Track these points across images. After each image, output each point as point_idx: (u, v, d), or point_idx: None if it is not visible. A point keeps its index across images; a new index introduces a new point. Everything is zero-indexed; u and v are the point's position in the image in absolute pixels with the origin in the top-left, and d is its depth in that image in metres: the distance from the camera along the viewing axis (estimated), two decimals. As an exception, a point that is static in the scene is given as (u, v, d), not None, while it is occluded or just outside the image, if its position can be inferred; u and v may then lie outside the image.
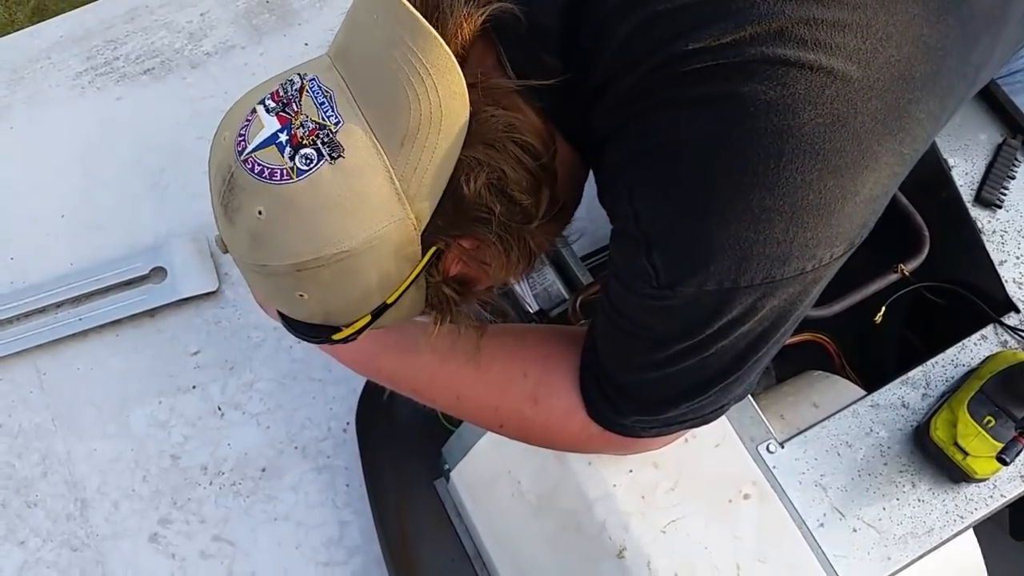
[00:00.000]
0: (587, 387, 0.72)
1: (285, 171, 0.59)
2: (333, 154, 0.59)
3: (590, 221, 1.39)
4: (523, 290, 1.01)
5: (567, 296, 1.01)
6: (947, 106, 0.64)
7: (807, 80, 0.55)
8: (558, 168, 0.66)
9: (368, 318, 0.67)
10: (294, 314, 0.69)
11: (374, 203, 0.60)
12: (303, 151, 0.59)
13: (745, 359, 0.65)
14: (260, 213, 0.60)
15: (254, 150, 0.60)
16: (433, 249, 0.64)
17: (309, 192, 0.59)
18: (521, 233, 0.66)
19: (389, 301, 0.65)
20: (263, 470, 1.23)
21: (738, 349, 0.64)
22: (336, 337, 0.69)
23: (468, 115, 0.60)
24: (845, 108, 0.56)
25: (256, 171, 0.60)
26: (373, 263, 0.62)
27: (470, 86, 0.60)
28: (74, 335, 1.30)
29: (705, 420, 0.72)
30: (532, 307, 1.00)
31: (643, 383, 0.69)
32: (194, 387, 1.28)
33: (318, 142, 0.59)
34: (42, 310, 1.32)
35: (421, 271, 0.64)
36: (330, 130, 0.59)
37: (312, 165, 0.59)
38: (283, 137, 0.60)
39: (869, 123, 0.57)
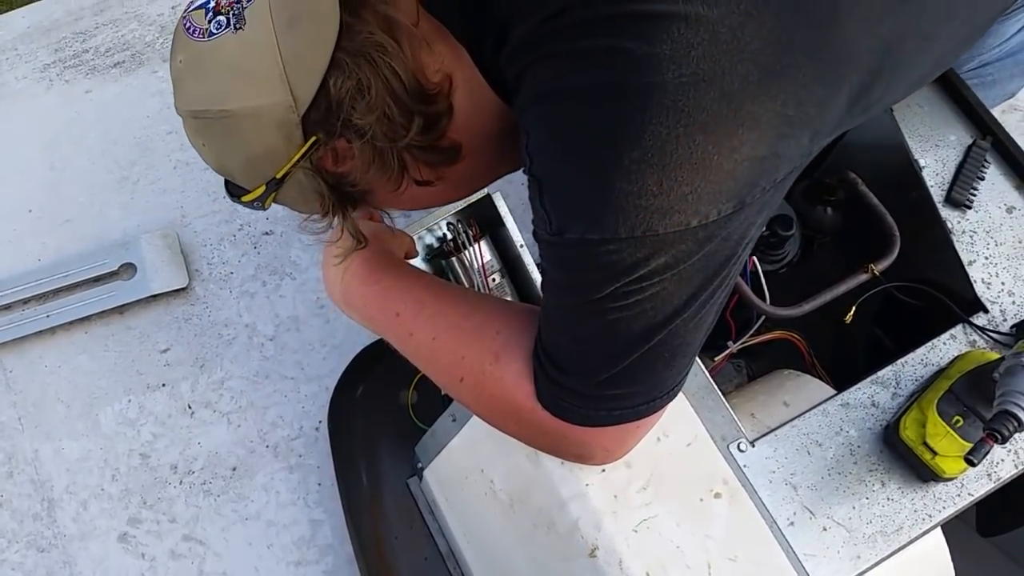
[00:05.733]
0: (535, 355, 0.74)
1: (201, 31, 0.69)
2: (238, 25, 0.68)
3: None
4: None
5: None
6: (845, 75, 0.65)
7: (673, 39, 0.58)
8: (457, 106, 0.74)
9: (263, 188, 0.75)
10: (205, 161, 0.77)
11: (259, 76, 0.68)
12: (218, 17, 0.69)
13: (655, 331, 0.66)
14: (180, 62, 0.71)
15: (192, 10, 0.71)
16: (313, 139, 0.71)
17: (212, 53, 0.69)
18: (387, 151, 0.73)
19: (278, 176, 0.74)
20: (234, 469, 1.22)
21: (646, 317, 0.65)
22: (244, 199, 0.77)
23: (338, 18, 0.67)
24: (711, 68, 0.58)
25: (186, 27, 0.71)
26: (255, 132, 0.70)
27: (360, 5, 0.68)
28: (42, 332, 1.28)
29: (637, 412, 0.71)
30: None
31: (560, 347, 0.70)
32: (164, 385, 1.27)
33: (231, 12, 0.69)
34: (8, 307, 1.30)
35: (303, 155, 0.72)
36: (242, 4, 0.69)
37: (220, 30, 0.69)
38: (211, 4, 0.70)
39: (739, 84, 0.59)
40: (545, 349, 0.71)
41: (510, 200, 1.03)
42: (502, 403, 0.76)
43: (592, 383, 0.69)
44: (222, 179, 0.77)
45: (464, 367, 0.77)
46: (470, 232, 1.04)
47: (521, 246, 1.03)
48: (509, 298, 1.05)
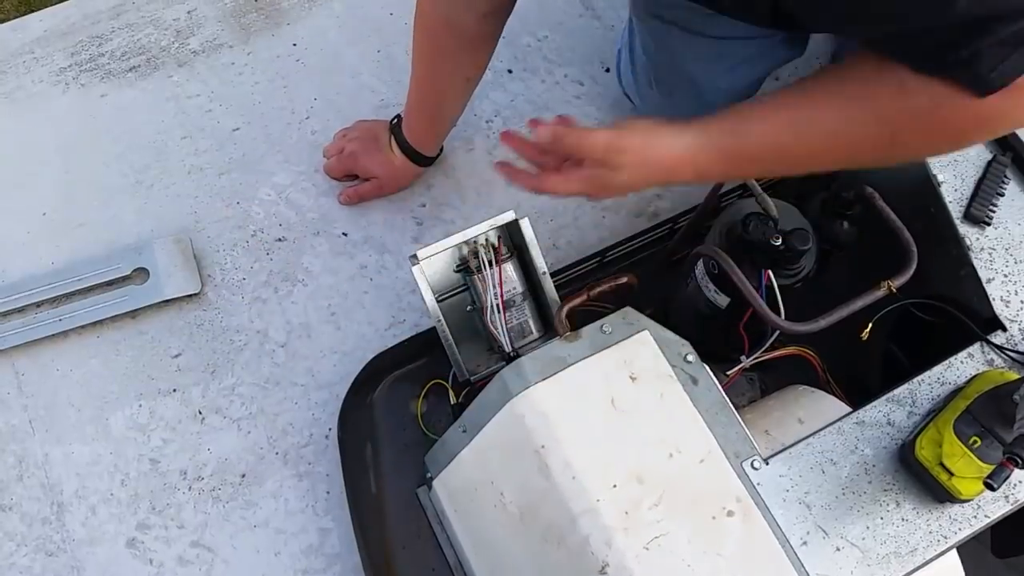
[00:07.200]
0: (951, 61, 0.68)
1: None
2: None
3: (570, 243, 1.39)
4: (499, 327, 1.03)
5: (536, 332, 1.05)
6: None
7: None
8: None
9: None
10: None
11: None
12: None
13: None
14: None
15: None
16: None
17: None
18: None
19: None
20: (243, 476, 1.21)
21: None
22: None
23: None
24: None
25: None
26: None
27: None
28: (54, 336, 1.28)
29: None
30: (507, 347, 1.03)
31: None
32: (175, 390, 1.26)
33: None
34: (21, 310, 1.30)
35: None
36: None
37: None
38: None
39: None
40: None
41: (536, 226, 1.03)
42: (941, 105, 0.70)
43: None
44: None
45: (885, 122, 0.73)
46: (496, 253, 1.04)
47: (544, 273, 1.03)
48: (531, 321, 1.06)
